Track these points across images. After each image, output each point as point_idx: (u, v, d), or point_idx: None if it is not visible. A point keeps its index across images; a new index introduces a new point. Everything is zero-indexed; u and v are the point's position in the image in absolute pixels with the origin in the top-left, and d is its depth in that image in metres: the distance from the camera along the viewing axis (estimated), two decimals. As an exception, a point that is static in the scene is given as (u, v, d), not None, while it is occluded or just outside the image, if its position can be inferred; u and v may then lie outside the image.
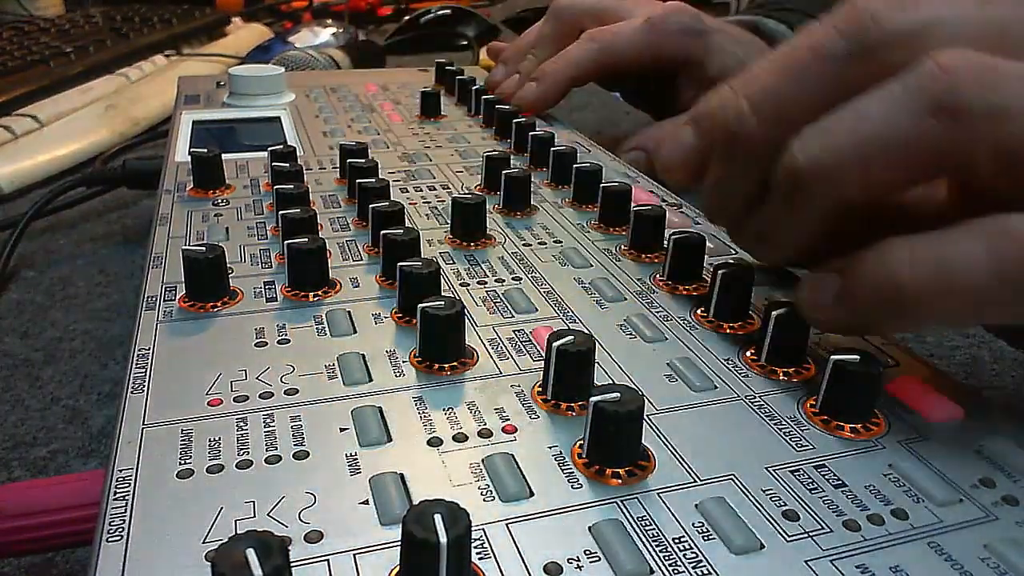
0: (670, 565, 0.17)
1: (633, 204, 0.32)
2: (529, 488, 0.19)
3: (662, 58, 0.50)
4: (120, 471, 0.19)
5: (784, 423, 0.21)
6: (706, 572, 0.17)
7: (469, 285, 0.29)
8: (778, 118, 0.22)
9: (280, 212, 0.30)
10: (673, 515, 0.18)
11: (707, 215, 0.28)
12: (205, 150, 0.37)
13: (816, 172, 0.21)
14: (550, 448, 0.20)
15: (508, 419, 0.21)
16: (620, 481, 0.19)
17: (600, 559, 0.17)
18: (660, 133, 0.51)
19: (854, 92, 0.20)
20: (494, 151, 0.38)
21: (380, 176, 0.35)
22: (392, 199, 0.32)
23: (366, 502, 0.18)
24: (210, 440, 0.20)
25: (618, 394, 0.19)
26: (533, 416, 0.21)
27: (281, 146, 0.37)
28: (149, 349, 0.24)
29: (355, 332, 0.25)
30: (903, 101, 0.19)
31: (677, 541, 0.17)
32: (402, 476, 0.19)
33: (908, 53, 0.20)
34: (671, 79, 0.53)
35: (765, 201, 0.24)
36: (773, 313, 0.23)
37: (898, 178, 0.21)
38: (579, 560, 0.17)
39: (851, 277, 0.21)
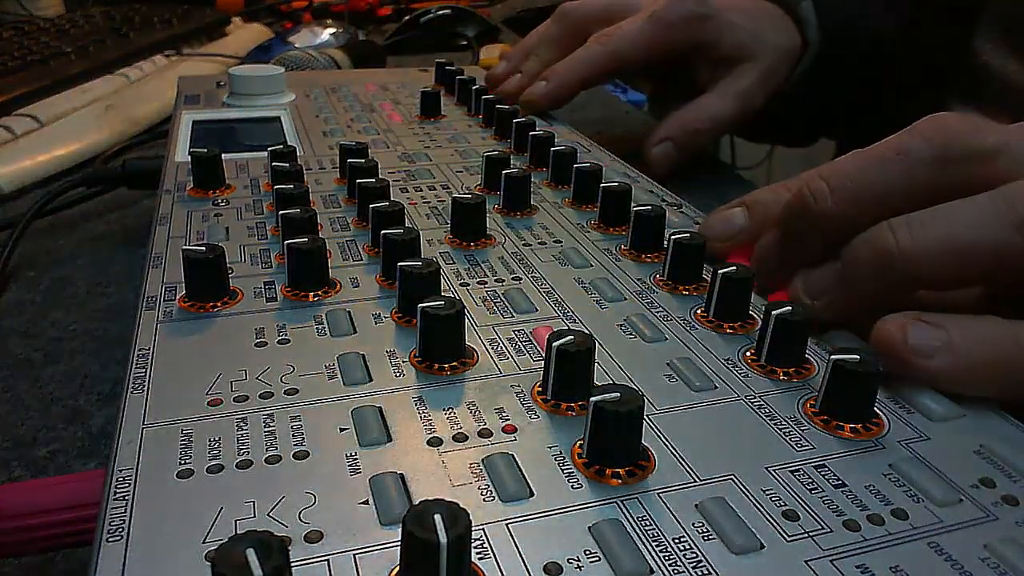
0: (670, 565, 0.17)
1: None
2: (529, 488, 0.19)
3: (672, 50, 0.50)
4: (120, 471, 0.19)
5: (784, 423, 0.21)
6: (706, 572, 0.17)
7: (469, 285, 0.29)
8: (855, 200, 0.25)
9: (280, 212, 0.30)
10: (673, 515, 0.18)
11: (756, 274, 0.28)
12: (205, 150, 0.37)
13: (908, 257, 0.23)
14: (550, 448, 0.20)
15: (508, 419, 0.21)
16: (620, 481, 0.19)
17: (600, 559, 0.17)
18: (685, 122, 0.51)
19: (927, 192, 0.24)
20: (494, 151, 0.38)
21: (380, 176, 0.35)
22: (392, 199, 0.32)
23: (366, 502, 0.18)
24: (210, 440, 0.20)
25: (618, 394, 0.19)
26: (533, 416, 0.21)
27: (281, 146, 0.37)
28: (149, 349, 0.24)
29: (355, 332, 0.25)
30: (993, 214, 0.23)
31: (677, 541, 0.17)
32: (402, 476, 0.19)
33: (982, 168, 0.24)
34: (688, 63, 0.53)
35: (828, 269, 0.26)
36: (773, 313, 0.23)
37: (973, 275, 0.24)
38: (579, 560, 0.17)
39: (959, 333, 0.23)
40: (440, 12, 1.03)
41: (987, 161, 0.24)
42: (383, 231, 0.28)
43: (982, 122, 0.25)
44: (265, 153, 0.38)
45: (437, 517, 0.15)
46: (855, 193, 0.25)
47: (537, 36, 0.56)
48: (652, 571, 0.17)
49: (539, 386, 0.22)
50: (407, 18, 1.05)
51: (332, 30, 0.93)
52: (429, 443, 0.20)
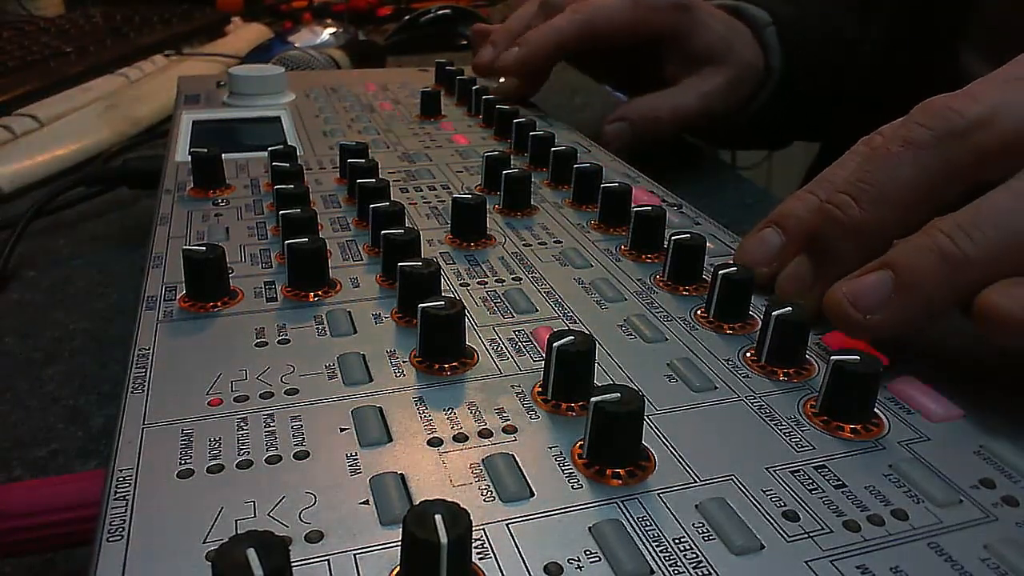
0: (670, 565, 0.17)
1: (634, 204, 0.32)
2: (529, 488, 0.19)
3: (646, 32, 0.51)
4: (120, 471, 0.19)
5: (784, 423, 0.21)
6: (706, 572, 0.17)
7: (469, 285, 0.29)
8: (881, 203, 0.25)
9: (280, 212, 0.30)
10: (673, 515, 0.18)
11: (783, 296, 0.28)
12: (205, 150, 0.37)
13: (977, 263, 0.22)
14: (550, 448, 0.20)
15: (508, 419, 0.21)
16: (620, 481, 0.19)
17: (600, 559, 0.17)
18: (645, 107, 0.52)
19: (945, 174, 0.24)
20: (494, 151, 0.38)
21: (380, 176, 0.35)
22: (392, 199, 0.32)
23: (366, 502, 0.18)
24: (210, 440, 0.20)
25: (618, 394, 0.19)
26: (533, 416, 0.21)
27: (281, 146, 0.37)
28: (149, 349, 0.24)
29: (355, 332, 0.25)
30: None
31: (677, 541, 0.17)
32: (402, 476, 0.19)
33: (988, 132, 0.23)
34: (653, 53, 0.53)
35: (879, 280, 0.25)
36: (773, 313, 0.23)
37: None
38: (579, 560, 0.17)
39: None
40: (440, 12, 1.03)
41: (990, 124, 0.24)
42: (383, 231, 0.28)
43: (965, 91, 0.25)
44: (265, 153, 0.38)
45: (437, 517, 0.15)
46: (879, 196, 0.25)
47: (519, 9, 0.56)
48: (652, 571, 0.17)
49: (539, 386, 0.22)
50: (407, 18, 1.05)
51: (332, 30, 0.93)
52: (429, 443, 0.20)
